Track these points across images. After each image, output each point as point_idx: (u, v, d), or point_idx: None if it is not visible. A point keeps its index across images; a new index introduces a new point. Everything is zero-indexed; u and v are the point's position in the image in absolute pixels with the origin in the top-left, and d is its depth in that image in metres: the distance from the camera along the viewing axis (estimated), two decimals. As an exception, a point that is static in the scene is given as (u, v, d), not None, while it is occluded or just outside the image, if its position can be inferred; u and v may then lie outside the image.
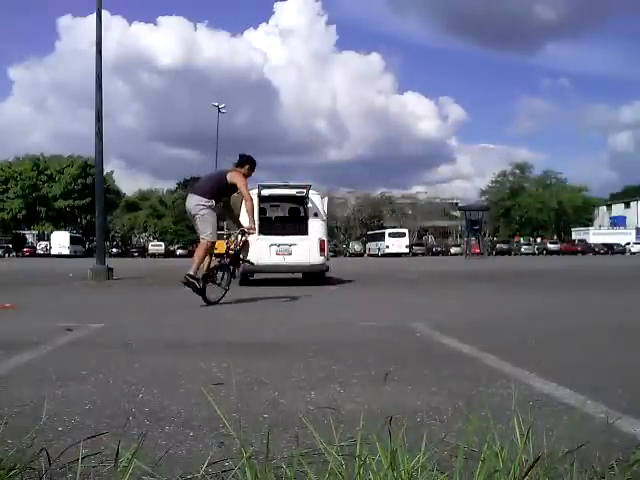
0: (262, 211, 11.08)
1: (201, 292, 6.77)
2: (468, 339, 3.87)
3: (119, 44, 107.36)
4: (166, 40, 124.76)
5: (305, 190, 10.60)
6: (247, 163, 7.16)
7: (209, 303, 6.75)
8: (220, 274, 7.22)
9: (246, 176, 7.13)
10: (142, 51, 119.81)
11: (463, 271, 17.95)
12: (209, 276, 6.99)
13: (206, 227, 6.88)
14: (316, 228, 10.49)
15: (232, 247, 7.48)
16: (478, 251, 42.40)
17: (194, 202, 6.90)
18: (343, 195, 79.29)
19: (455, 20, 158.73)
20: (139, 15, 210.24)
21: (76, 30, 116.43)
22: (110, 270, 13.39)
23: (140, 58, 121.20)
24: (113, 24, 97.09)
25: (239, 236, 7.50)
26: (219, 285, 7.16)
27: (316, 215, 10.58)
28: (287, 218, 11.65)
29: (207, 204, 6.84)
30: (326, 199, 11.68)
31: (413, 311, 6.30)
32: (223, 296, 7.09)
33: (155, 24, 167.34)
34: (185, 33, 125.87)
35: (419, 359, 3.29)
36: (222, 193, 7.05)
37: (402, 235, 55.36)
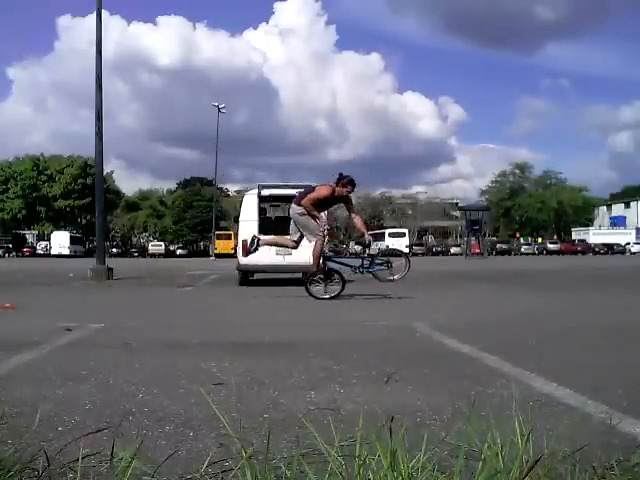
0: (262, 211, 11.08)
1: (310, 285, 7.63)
2: (468, 339, 3.87)
3: (118, 44, 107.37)
4: (165, 40, 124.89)
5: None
6: (340, 181, 7.74)
7: (316, 298, 7.43)
8: (335, 275, 7.80)
9: (335, 193, 7.69)
10: (141, 51, 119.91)
11: (463, 271, 17.94)
12: (316, 274, 7.72)
13: (306, 232, 7.71)
14: None
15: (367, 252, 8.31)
16: (478, 251, 42.42)
17: (292, 211, 7.84)
18: (343, 195, 79.20)
19: (455, 20, 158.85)
20: (138, 15, 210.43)
21: (75, 30, 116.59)
22: (110, 270, 13.40)
23: (139, 58, 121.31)
24: (112, 24, 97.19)
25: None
26: (330, 284, 7.71)
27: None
28: (287, 218, 11.62)
29: (298, 211, 7.68)
30: (326, 199, 11.65)
31: (413, 311, 6.29)
32: (337, 295, 7.59)
33: (154, 24, 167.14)
34: (184, 33, 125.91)
35: (419, 359, 3.29)
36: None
37: (402, 235, 55.32)
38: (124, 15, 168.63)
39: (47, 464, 1.43)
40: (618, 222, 75.76)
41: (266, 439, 1.50)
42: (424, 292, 9.28)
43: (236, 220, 11.99)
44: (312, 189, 7.85)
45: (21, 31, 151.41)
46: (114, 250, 62.72)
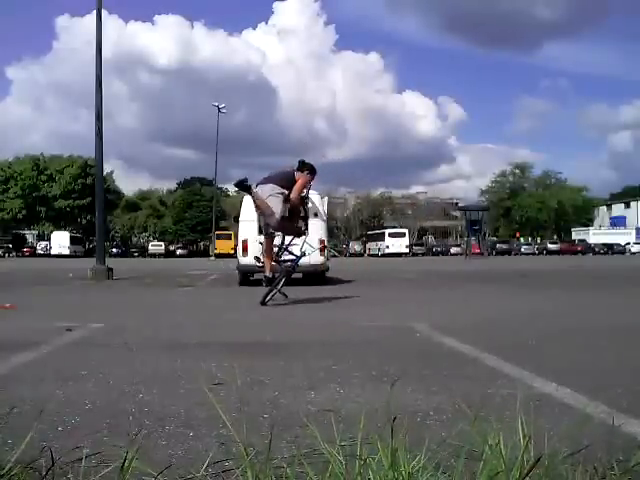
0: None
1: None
2: (468, 339, 3.87)
3: (116, 44, 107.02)
4: (163, 39, 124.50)
5: (305, 190, 10.59)
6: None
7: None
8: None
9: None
10: (139, 50, 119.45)
11: (463, 271, 17.94)
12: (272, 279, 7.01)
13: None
14: (316, 228, 10.48)
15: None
16: (478, 251, 42.40)
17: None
18: (343, 195, 79.26)
19: (454, 19, 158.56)
20: (136, 14, 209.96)
21: (74, 30, 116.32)
22: (110, 270, 13.40)
23: (137, 57, 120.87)
24: (110, 23, 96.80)
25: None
26: (278, 290, 7.07)
27: (316, 215, 10.57)
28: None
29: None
30: (326, 199, 11.66)
31: (413, 311, 6.29)
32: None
33: (152, 23, 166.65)
34: (182, 32, 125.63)
35: (419, 359, 3.29)
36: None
37: (402, 235, 55.29)
38: (121, 14, 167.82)
39: (51, 464, 1.43)
40: (618, 222, 75.74)
41: (267, 439, 1.50)
42: (424, 292, 9.29)
43: (236, 220, 11.95)
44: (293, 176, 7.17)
45: (20, 31, 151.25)
46: (114, 250, 62.58)
